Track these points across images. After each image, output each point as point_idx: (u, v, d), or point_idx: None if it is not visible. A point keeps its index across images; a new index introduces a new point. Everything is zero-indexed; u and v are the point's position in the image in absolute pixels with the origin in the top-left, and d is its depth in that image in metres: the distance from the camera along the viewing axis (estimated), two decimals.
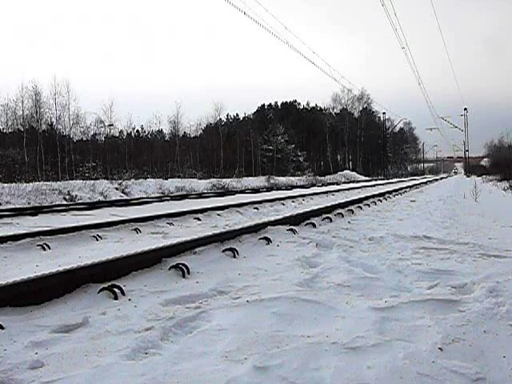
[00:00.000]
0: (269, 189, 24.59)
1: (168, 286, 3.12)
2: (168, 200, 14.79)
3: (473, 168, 59.63)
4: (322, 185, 33.23)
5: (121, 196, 18.10)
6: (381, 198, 12.08)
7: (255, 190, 22.25)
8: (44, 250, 4.96)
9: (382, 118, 67.30)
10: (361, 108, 71.22)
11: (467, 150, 56.44)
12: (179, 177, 31.73)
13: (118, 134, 48.05)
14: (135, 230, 6.38)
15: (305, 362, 1.91)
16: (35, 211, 10.16)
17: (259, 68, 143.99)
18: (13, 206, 12.31)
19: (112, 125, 43.88)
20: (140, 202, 13.87)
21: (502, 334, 2.23)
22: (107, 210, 11.23)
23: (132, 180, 23.11)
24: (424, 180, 39.51)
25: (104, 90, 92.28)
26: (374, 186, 27.64)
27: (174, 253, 3.85)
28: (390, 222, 6.83)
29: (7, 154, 30.72)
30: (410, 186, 21.88)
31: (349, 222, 6.74)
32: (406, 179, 49.22)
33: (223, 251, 4.14)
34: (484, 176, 39.32)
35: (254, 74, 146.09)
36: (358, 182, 41.65)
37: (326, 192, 18.11)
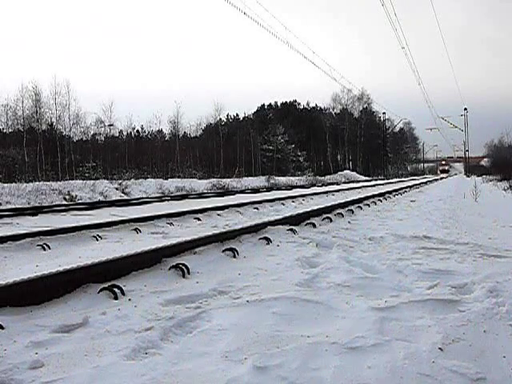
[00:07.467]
0: (269, 189, 24.56)
1: (168, 286, 3.11)
2: (168, 200, 14.78)
3: (473, 168, 59.65)
4: (322, 185, 33.20)
5: (121, 196, 18.09)
6: (381, 198, 12.07)
7: (255, 190, 22.23)
8: (44, 250, 4.95)
9: (381, 118, 67.39)
10: (361, 108, 71.28)
11: (467, 150, 56.53)
12: (179, 177, 31.76)
13: (118, 134, 48.16)
14: (135, 230, 6.38)
15: (305, 361, 1.91)
16: (35, 211, 10.15)
17: (259, 68, 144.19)
18: (13, 206, 12.32)
19: (112, 125, 43.95)
20: (140, 202, 13.86)
21: (501, 334, 2.23)
22: (107, 209, 11.22)
23: (132, 180, 23.11)
24: (424, 180, 39.47)
25: (104, 90, 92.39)
26: (373, 186, 27.63)
27: (174, 253, 3.85)
28: (389, 222, 6.82)
29: (7, 154, 30.74)
30: (410, 186, 21.86)
31: (349, 222, 6.73)
32: (405, 179, 49.20)
33: (223, 251, 4.14)
34: (484, 176, 39.32)
35: (254, 74, 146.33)
36: (358, 182, 41.63)
37: (326, 192, 18.10)
